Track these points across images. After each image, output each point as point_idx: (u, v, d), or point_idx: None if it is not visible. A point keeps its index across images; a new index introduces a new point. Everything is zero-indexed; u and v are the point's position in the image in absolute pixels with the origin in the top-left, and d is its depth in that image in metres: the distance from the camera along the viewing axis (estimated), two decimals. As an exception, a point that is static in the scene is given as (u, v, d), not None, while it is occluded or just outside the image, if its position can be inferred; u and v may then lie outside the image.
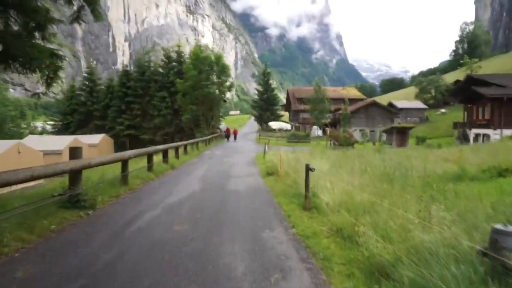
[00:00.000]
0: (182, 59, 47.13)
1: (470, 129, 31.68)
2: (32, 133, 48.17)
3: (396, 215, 5.02)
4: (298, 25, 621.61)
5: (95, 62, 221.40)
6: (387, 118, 50.64)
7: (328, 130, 42.76)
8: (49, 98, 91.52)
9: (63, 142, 29.14)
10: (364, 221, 4.93)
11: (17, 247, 4.11)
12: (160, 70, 48.64)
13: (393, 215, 5.04)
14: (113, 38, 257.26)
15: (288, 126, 61.85)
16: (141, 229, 5.11)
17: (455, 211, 4.85)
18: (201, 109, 39.65)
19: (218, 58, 39.88)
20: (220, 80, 40.51)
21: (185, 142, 19.17)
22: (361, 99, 60.36)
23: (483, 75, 39.84)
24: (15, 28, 8.11)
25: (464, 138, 36.89)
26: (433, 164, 13.14)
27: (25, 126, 61.54)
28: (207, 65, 38.36)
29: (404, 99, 69.33)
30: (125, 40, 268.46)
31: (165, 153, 14.01)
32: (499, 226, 2.38)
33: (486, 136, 27.78)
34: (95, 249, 4.19)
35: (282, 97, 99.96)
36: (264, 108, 64.55)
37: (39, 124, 71.01)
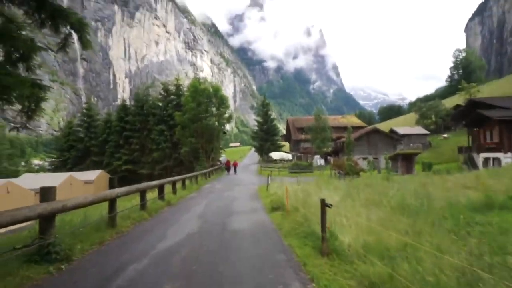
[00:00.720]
0: (180, 92, 47.01)
1: (478, 154, 30.72)
2: (29, 171, 47.16)
3: (442, 260, 4.00)
4: (295, 57, 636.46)
5: (96, 99, 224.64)
6: (390, 145, 49.83)
7: (331, 159, 41.82)
8: (50, 135, 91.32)
9: (58, 179, 28.12)
10: (403, 271, 3.88)
11: None
12: (159, 103, 48.36)
13: (439, 262, 4.00)
14: (114, 75, 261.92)
15: (290, 156, 60.93)
16: (120, 290, 4.05)
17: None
18: (200, 141, 38.90)
19: (217, 89, 39.65)
20: (219, 111, 40.06)
21: (182, 176, 18.12)
22: (362, 127, 59.89)
23: (485, 98, 39.49)
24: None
25: (471, 163, 35.89)
26: (452, 192, 12.08)
27: (24, 164, 60.84)
28: (205, 97, 38.02)
29: (403, 126, 68.94)
30: (125, 77, 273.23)
31: (160, 188, 12.97)
32: None
33: (497, 160, 26.77)
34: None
35: (281, 127, 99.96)
36: (264, 139, 63.90)
37: (38, 162, 70.16)
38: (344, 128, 60.04)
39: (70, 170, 44.23)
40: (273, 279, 4.33)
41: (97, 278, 4.48)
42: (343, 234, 5.97)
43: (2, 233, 10.12)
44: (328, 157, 51.84)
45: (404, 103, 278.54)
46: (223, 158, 51.72)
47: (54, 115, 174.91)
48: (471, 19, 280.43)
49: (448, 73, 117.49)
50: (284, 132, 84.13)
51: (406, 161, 35.32)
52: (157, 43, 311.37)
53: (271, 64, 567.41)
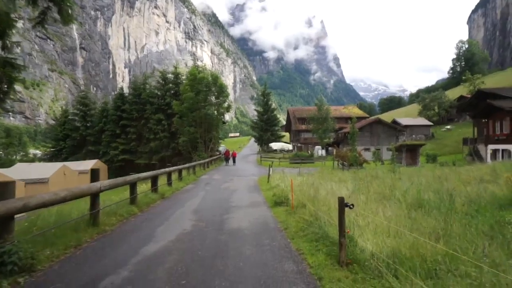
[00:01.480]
0: (179, 81, 45.70)
1: (486, 145, 29.72)
2: (23, 160, 46.15)
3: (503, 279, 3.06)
4: (296, 47, 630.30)
5: (95, 89, 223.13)
6: (392, 136, 48.88)
7: (333, 150, 40.85)
8: (48, 125, 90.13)
9: (50, 170, 27.10)
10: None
11: None
12: (157, 92, 47.04)
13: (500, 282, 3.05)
14: (113, 65, 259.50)
15: (290, 147, 59.97)
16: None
17: None
18: (199, 131, 37.82)
19: (216, 78, 38.37)
20: (218, 100, 38.91)
21: (179, 167, 17.11)
22: (364, 118, 58.84)
23: (494, 88, 38.30)
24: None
25: (476, 155, 34.94)
26: (470, 186, 11.12)
27: (23, 153, 59.78)
28: (204, 86, 36.79)
29: (406, 117, 67.88)
30: (125, 67, 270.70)
31: (154, 180, 11.99)
32: None
33: (507, 152, 25.75)
34: None
35: (281, 118, 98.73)
36: (264, 129, 62.87)
37: (36, 152, 69.00)
38: (345, 119, 59.09)
39: (66, 159, 43.20)
40: (283, 302, 3.37)
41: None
42: (361, 237, 5.02)
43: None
44: (329, 148, 50.90)
45: (405, 94, 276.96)
46: (222, 147, 50.73)
47: (53, 105, 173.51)
48: (474, 11, 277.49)
49: (450, 64, 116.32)
50: (284, 122, 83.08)
51: (411, 153, 34.46)
52: (157, 33, 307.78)
53: (271, 55, 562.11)
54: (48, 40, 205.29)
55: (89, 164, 35.18)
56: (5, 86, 7.52)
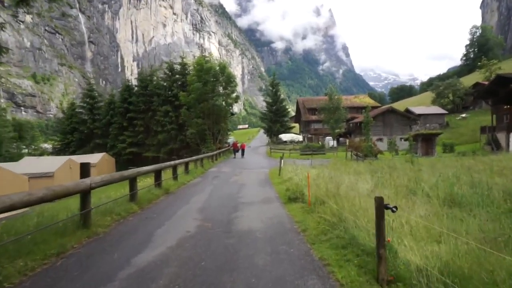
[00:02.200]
0: (186, 71, 44.72)
1: (508, 133, 28.26)
2: (31, 154, 46.04)
3: None
4: (304, 37, 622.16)
5: (104, 82, 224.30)
6: (406, 125, 47.55)
7: (346, 140, 39.70)
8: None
9: (56, 163, 26.59)
10: None
11: None
12: (163, 83, 46.18)
13: None
14: (122, 58, 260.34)
15: (300, 138, 58.92)
16: None
17: None
18: (207, 122, 36.95)
19: (223, 67, 37.30)
20: (226, 91, 37.90)
21: (185, 160, 16.27)
22: (376, 107, 57.27)
23: (514, 73, 36.52)
24: None
25: (495, 144, 33.46)
26: (503, 177, 10.01)
27: (35, 147, 60.00)
28: (212, 76, 35.79)
29: (418, 106, 66.03)
30: (133, 60, 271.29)
31: (157, 174, 11.16)
32: None
33: (531, 141, 24.38)
34: None
35: (290, 109, 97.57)
36: (274, 120, 61.86)
37: (47, 145, 69.24)
38: (356, 109, 57.74)
39: (73, 153, 42.86)
40: None
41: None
42: (400, 244, 4.08)
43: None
44: (341, 139, 49.69)
45: (415, 83, 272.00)
46: (231, 139, 49.92)
47: (63, 99, 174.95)
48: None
49: (462, 51, 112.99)
50: (293, 114, 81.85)
51: (426, 142, 33.18)
52: (164, 25, 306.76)
53: (279, 45, 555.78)
54: (57, 35, 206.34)
55: (96, 158, 34.67)
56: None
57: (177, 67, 46.52)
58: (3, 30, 7.38)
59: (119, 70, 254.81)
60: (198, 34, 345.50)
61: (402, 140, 41.84)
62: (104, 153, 38.30)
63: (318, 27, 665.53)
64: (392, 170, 14.03)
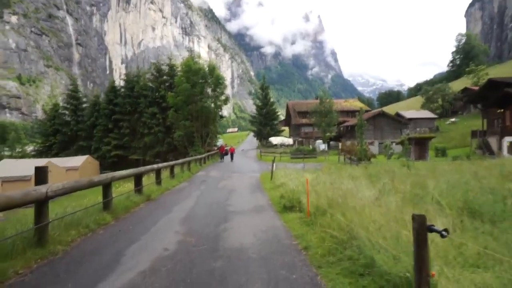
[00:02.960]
0: (174, 73, 43.53)
1: (501, 137, 27.91)
2: (11, 156, 44.11)
3: None
4: (293, 43, 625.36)
5: (91, 84, 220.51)
6: (396, 129, 47.27)
7: (340, 144, 39.07)
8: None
9: (34, 166, 25.13)
10: None
11: None
12: (150, 84, 44.83)
13: None
14: (110, 60, 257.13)
15: (290, 141, 58.16)
16: None
17: None
18: (195, 125, 35.83)
19: (213, 68, 36.31)
20: (215, 92, 36.87)
21: (170, 163, 15.18)
22: (367, 111, 56.97)
23: (506, 78, 36.47)
24: None
25: (486, 148, 33.20)
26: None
27: (19, 150, 57.89)
28: (200, 77, 34.75)
29: (407, 110, 66.18)
30: (121, 63, 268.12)
31: (137, 179, 10.07)
32: None
33: (527, 144, 23.99)
34: None
35: (280, 113, 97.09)
36: (264, 123, 61.02)
37: (32, 148, 67.04)
38: (346, 112, 57.42)
39: (56, 155, 41.20)
40: None
41: None
42: (440, 276, 3.13)
43: None
44: (331, 142, 49.15)
45: (403, 88, 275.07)
46: (220, 142, 48.83)
47: (49, 101, 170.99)
48: (471, 5, 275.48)
49: (448, 58, 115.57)
50: (283, 117, 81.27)
51: (419, 146, 32.71)
52: (153, 28, 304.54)
53: (268, 50, 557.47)
54: (43, 36, 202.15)
55: (79, 161, 33.22)
56: None
57: (165, 68, 45.32)
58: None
59: (107, 72, 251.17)
60: (187, 38, 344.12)
61: (394, 144, 41.46)
62: (87, 156, 36.85)
63: (307, 32, 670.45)
64: (392, 175, 13.21)
